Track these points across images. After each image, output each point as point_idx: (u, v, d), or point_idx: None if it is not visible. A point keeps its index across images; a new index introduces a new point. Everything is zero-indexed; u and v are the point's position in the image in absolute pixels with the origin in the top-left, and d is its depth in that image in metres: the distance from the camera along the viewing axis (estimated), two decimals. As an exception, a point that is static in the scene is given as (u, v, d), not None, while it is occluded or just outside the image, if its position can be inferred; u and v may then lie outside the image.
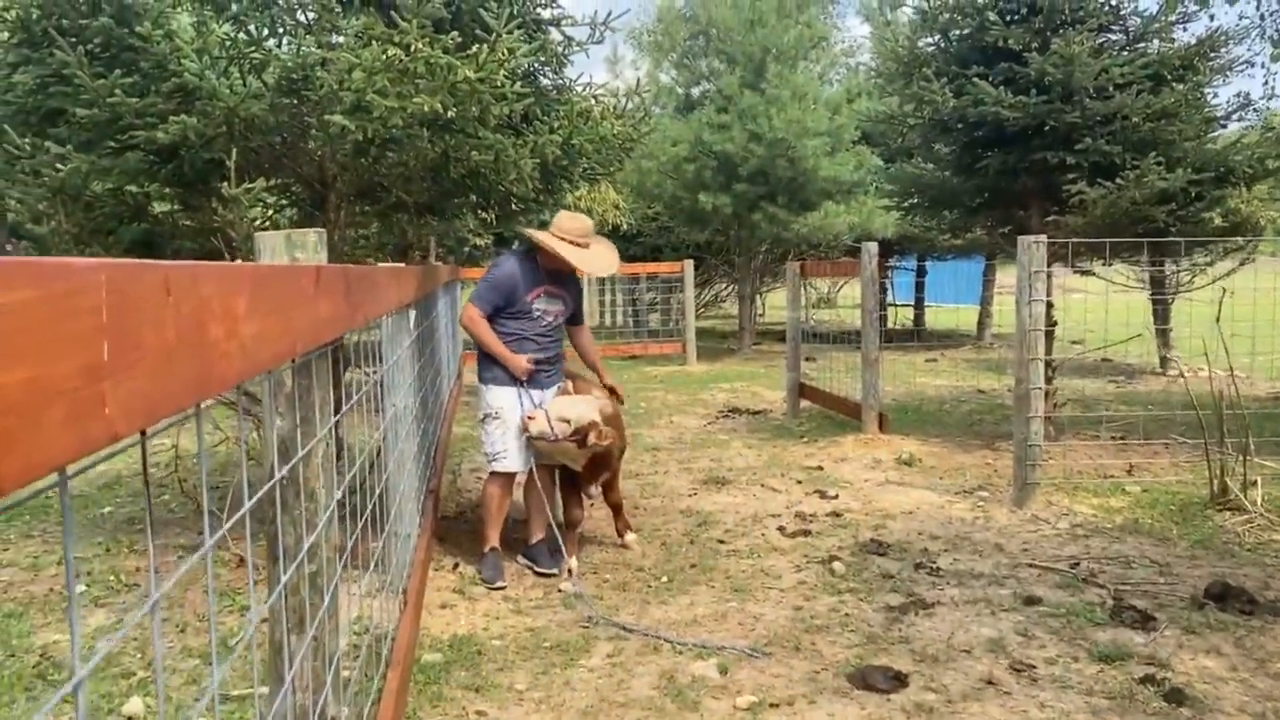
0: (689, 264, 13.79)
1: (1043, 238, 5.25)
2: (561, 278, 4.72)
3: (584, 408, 4.46)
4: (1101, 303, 6.48)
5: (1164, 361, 12.26)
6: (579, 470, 4.68)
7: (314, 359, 1.95)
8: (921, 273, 18.43)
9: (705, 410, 9.62)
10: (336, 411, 3.31)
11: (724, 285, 19.78)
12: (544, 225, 4.79)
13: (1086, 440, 7.32)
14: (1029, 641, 3.69)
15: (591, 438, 4.42)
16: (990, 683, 3.35)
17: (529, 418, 4.39)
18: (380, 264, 5.51)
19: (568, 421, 4.38)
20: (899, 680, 3.38)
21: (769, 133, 12.86)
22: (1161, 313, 12.00)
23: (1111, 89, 6.53)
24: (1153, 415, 7.69)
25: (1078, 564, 4.54)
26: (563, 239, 4.52)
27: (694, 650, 3.70)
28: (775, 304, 24.86)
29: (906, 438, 7.62)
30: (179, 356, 0.95)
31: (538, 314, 4.64)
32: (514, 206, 5.97)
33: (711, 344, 16.19)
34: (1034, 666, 3.47)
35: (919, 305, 18.78)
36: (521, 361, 4.55)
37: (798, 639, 3.78)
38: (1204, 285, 11.54)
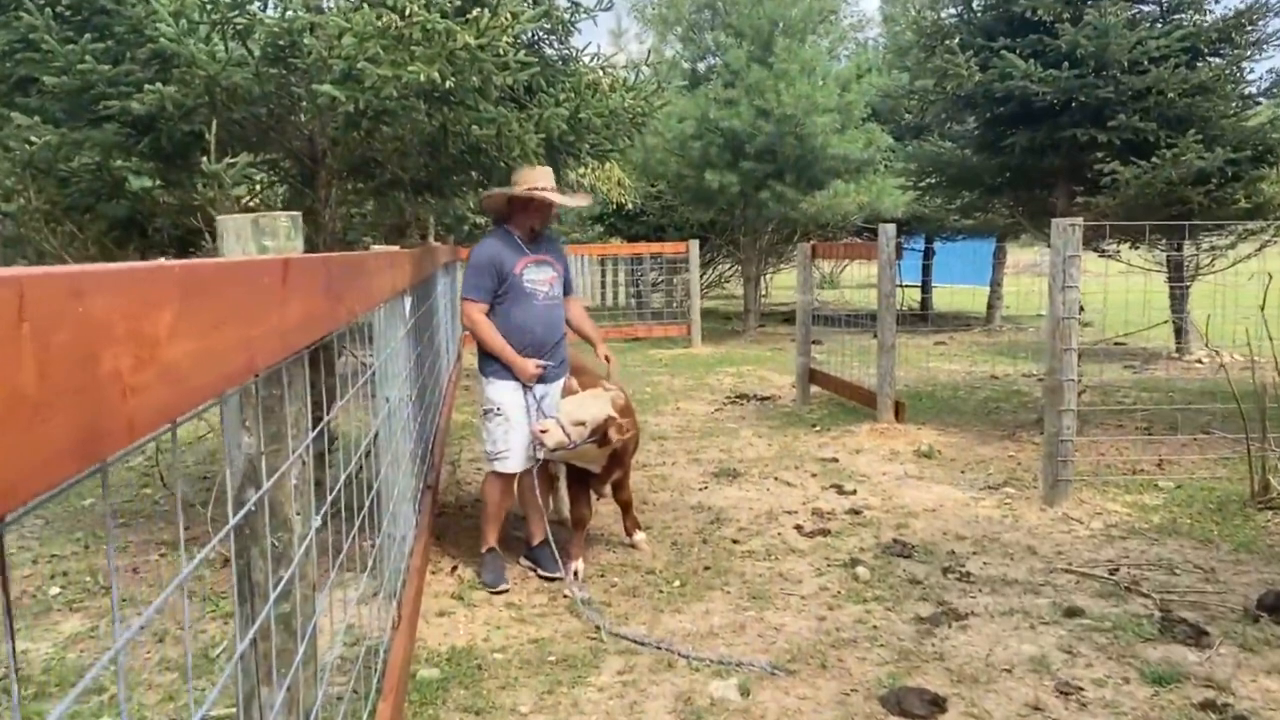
0: (694, 244, 13.45)
1: (1078, 220, 4.94)
2: (542, 243, 4.42)
3: (596, 405, 4.15)
4: (1104, 284, 6.20)
5: (1180, 347, 11.97)
6: (598, 471, 4.38)
7: (287, 365, 1.66)
8: (929, 254, 18.09)
9: (712, 396, 9.33)
10: (328, 408, 3.01)
11: (728, 266, 19.43)
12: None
13: (1111, 432, 7.03)
14: (1074, 659, 3.41)
15: (613, 434, 4.13)
16: (1036, 708, 3.07)
17: (541, 430, 4.05)
18: (374, 245, 5.20)
19: (583, 424, 4.07)
20: (936, 705, 3.10)
21: (777, 109, 12.49)
22: (1180, 297, 11.68)
23: (1146, 62, 6.20)
24: (1184, 407, 7.40)
25: (1117, 569, 4.26)
26: (528, 187, 4.23)
27: (712, 667, 3.42)
28: (780, 285, 24.52)
29: (923, 427, 7.32)
30: (48, 408, 0.64)
31: (530, 288, 4.30)
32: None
33: (715, 325, 15.88)
34: (1082, 689, 3.19)
35: (926, 288, 18.45)
36: (530, 367, 4.23)
37: (824, 654, 3.50)
38: (1224, 269, 11.25)
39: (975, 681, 3.26)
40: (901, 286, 18.18)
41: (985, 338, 14.74)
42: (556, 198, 4.25)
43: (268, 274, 1.29)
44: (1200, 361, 11.59)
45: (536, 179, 4.22)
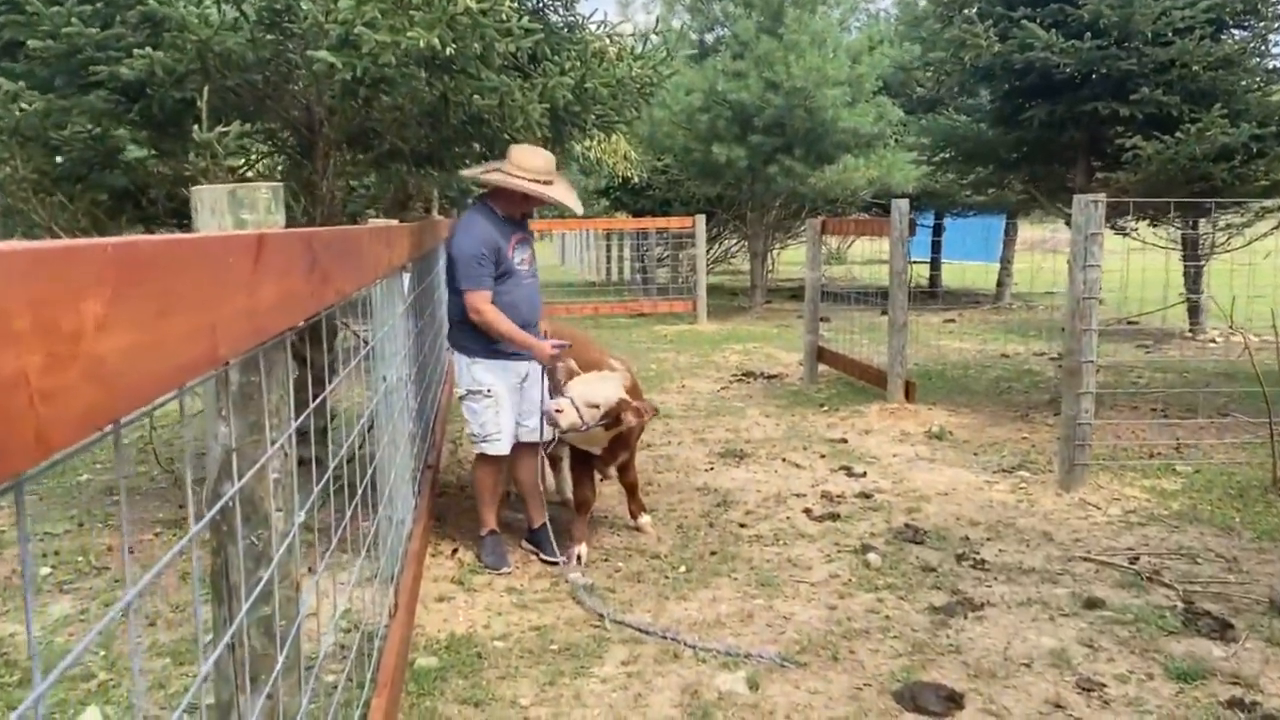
0: (700, 219, 13.27)
1: (1101, 196, 4.77)
2: (520, 222, 4.26)
3: (608, 387, 4.02)
4: (1125, 262, 6.05)
5: (1194, 327, 11.80)
6: (599, 453, 4.26)
7: (266, 349, 1.52)
8: (938, 230, 17.85)
9: (718, 373, 9.19)
10: (325, 387, 2.87)
11: (734, 241, 19.22)
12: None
13: (1126, 413, 6.89)
14: (1095, 654, 3.29)
15: (629, 418, 4.00)
16: (1058, 705, 2.96)
17: (556, 410, 3.88)
18: (375, 219, 5.06)
19: (596, 406, 3.94)
20: (953, 701, 2.99)
21: (787, 81, 12.25)
22: (1195, 275, 11.49)
23: (1170, 34, 5.99)
24: (1200, 390, 7.25)
25: (1137, 558, 4.13)
26: (533, 180, 4.05)
27: (719, 658, 3.31)
28: (786, 261, 24.34)
29: (934, 407, 7.19)
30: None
31: (517, 268, 4.17)
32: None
33: (721, 301, 15.70)
34: (1104, 685, 3.07)
35: (935, 264, 18.24)
36: (546, 347, 4.07)
37: (835, 646, 3.39)
38: (1239, 247, 11.05)
39: (993, 676, 3.14)
40: (910, 263, 17.94)
41: (995, 315, 14.57)
42: (555, 195, 4.08)
43: (236, 251, 1.15)
44: (1214, 341, 11.43)
45: (538, 168, 4.05)
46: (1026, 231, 20.03)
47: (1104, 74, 6.10)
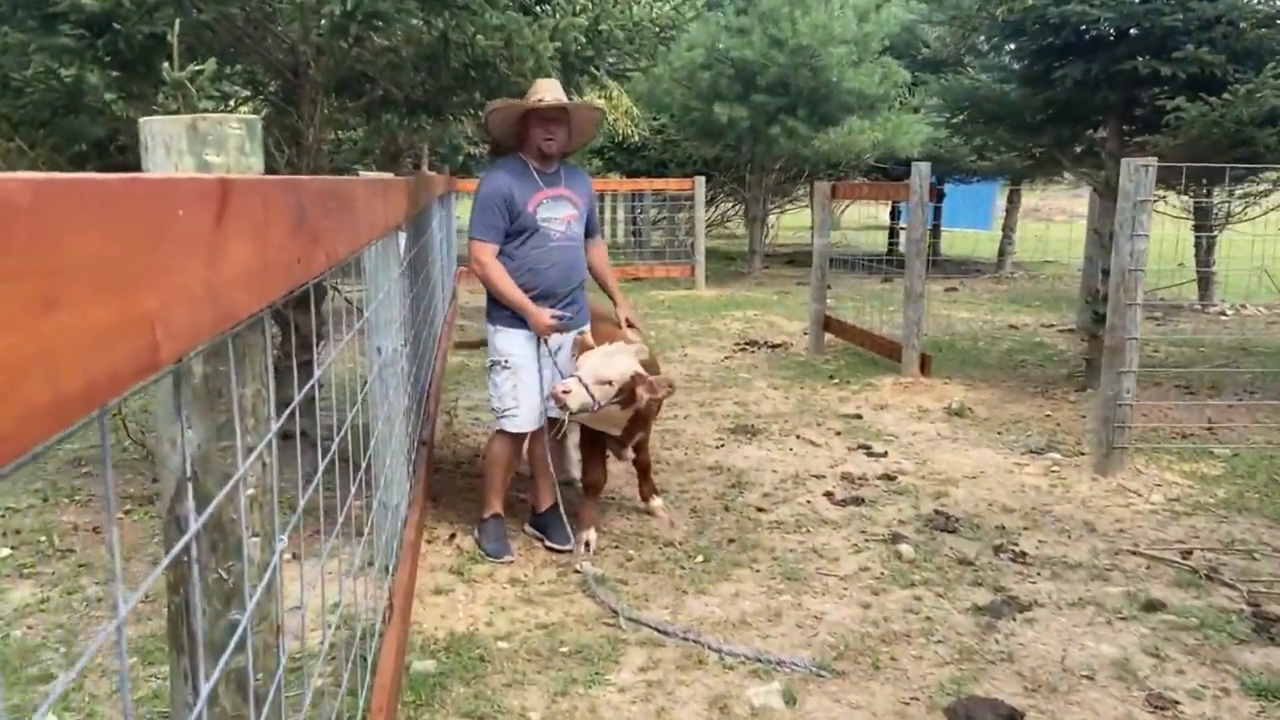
0: (700, 180, 12.83)
1: (1152, 160, 4.42)
2: (562, 174, 3.87)
3: (622, 361, 3.64)
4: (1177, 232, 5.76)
5: (1205, 299, 11.52)
6: (618, 434, 3.90)
7: (240, 332, 1.17)
8: (939, 196, 17.46)
9: (720, 342, 8.84)
10: (311, 352, 2.52)
11: (731, 205, 18.77)
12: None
13: (1150, 390, 6.58)
14: (1162, 664, 2.99)
15: (643, 393, 3.63)
16: (1129, 726, 2.66)
17: (563, 391, 3.52)
18: (365, 173, 4.66)
19: (609, 383, 3.57)
20: (1013, 720, 2.68)
21: (791, 38, 11.79)
22: (1207, 246, 11.18)
23: (1218, -12, 5.62)
24: (1224, 367, 6.96)
25: (1190, 553, 3.83)
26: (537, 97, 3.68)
27: (748, 665, 2.99)
28: (784, 225, 23.91)
29: (949, 381, 6.88)
30: None
31: (544, 226, 3.79)
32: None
33: (718, 266, 15.30)
34: (1178, 702, 2.77)
35: (935, 231, 17.87)
36: (544, 317, 3.71)
37: (874, 652, 3.08)
38: (1255, 216, 10.75)
39: (1053, 690, 2.84)
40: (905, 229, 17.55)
41: (997, 284, 14.26)
42: (563, 100, 3.71)
43: (187, 201, 0.79)
44: (1224, 314, 11.16)
45: (543, 90, 3.68)
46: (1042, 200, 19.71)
47: (1146, 29, 5.73)
